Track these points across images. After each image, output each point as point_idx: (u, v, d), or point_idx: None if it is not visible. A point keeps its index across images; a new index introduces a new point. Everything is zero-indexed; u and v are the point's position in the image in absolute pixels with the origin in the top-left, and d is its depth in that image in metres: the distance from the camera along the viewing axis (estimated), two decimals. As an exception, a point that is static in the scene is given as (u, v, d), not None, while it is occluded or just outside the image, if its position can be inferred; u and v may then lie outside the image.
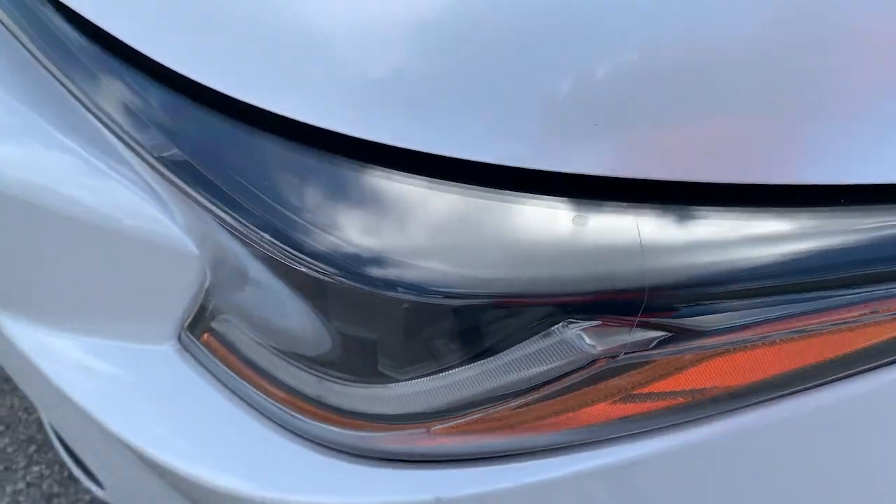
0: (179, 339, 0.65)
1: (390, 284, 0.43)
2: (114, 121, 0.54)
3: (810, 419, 0.47)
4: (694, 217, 0.42)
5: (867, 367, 0.47)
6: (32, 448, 1.33)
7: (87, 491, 1.30)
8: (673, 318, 0.41)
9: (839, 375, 0.47)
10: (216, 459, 0.59)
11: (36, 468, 1.31)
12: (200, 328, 0.62)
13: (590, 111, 0.41)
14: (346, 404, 0.55)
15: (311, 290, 0.49)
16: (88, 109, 0.53)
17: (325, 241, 0.44)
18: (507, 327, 0.45)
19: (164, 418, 0.62)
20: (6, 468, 1.31)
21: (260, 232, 0.46)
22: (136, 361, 0.66)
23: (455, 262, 0.42)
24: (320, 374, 0.55)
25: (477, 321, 0.45)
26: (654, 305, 0.41)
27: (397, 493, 0.55)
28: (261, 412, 0.60)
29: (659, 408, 0.48)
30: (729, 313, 0.42)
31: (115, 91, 0.53)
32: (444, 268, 0.42)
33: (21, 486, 1.29)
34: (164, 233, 0.57)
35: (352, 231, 0.44)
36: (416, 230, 0.43)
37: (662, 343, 0.42)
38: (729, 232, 0.42)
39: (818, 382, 0.46)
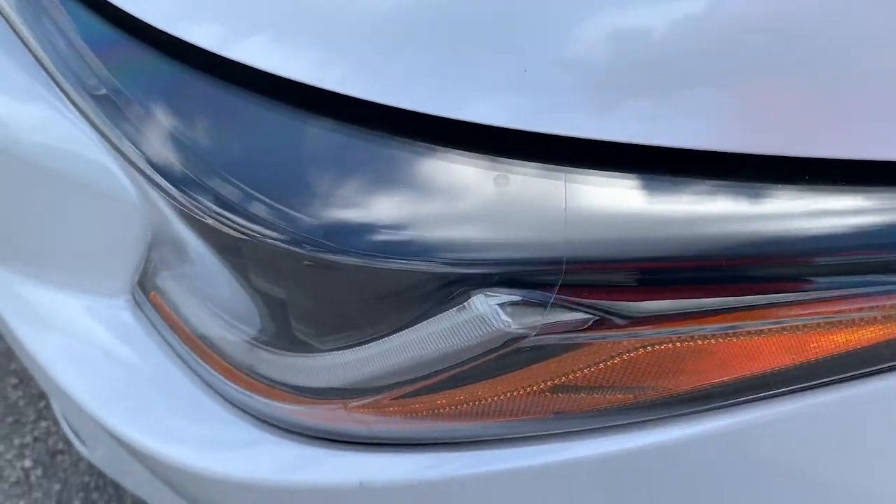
0: (134, 295, 0.63)
1: (296, 240, 0.40)
2: (59, 58, 0.52)
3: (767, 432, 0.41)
4: (631, 185, 0.36)
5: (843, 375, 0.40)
6: (43, 403, 1.34)
7: (91, 451, 1.31)
8: (594, 298, 0.36)
9: (811, 383, 0.41)
10: (148, 422, 0.57)
11: (44, 423, 1.33)
12: (149, 285, 0.60)
13: (517, 57, 0.36)
14: (273, 374, 0.51)
15: (228, 249, 0.46)
16: (28, 46, 0.51)
17: (232, 192, 0.41)
18: (423, 298, 0.40)
19: (105, 371, 0.60)
20: (16, 420, 1.33)
21: (172, 180, 0.43)
22: (89, 313, 0.64)
23: (364, 218, 0.38)
24: (249, 341, 0.51)
25: (389, 288, 0.41)
26: (575, 282, 0.36)
27: (322, 474, 0.51)
28: (197, 374, 0.57)
29: (598, 406, 0.43)
30: (666, 301, 0.37)
31: (56, 25, 0.51)
32: (352, 223, 0.38)
33: (28, 439, 1.31)
34: (113, 182, 0.55)
35: (257, 180, 0.40)
36: (326, 182, 0.39)
37: (584, 327, 0.37)
38: (672, 206, 0.36)
39: (774, 392, 0.40)
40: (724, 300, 0.36)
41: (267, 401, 0.52)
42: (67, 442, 1.31)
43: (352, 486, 0.50)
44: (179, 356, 0.59)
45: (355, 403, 0.46)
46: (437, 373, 0.42)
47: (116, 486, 1.27)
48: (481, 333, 0.39)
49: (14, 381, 1.37)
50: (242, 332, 0.51)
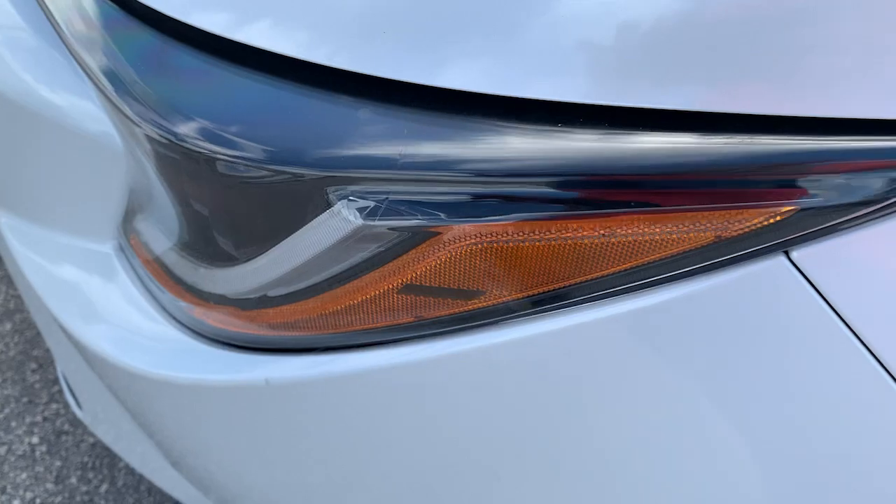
0: (119, 240, 0.76)
1: (186, 142, 0.52)
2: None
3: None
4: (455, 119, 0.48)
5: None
6: (56, 388, 1.48)
7: (92, 434, 1.42)
8: (426, 207, 0.47)
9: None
10: (106, 331, 0.69)
11: (54, 406, 1.46)
12: (129, 229, 0.73)
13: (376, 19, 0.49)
14: (206, 286, 0.63)
15: (168, 171, 0.58)
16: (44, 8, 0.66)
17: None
18: (302, 206, 0.52)
19: (78, 290, 0.73)
20: (30, 401, 1.46)
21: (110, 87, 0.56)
22: (80, 254, 0.77)
23: (254, 132, 0.50)
24: (190, 259, 0.64)
25: (278, 199, 0.53)
26: (413, 188, 0.48)
27: (234, 373, 0.62)
28: (154, 297, 0.69)
29: (448, 310, 0.54)
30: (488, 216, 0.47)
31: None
32: (242, 136, 0.50)
33: (38, 419, 1.44)
34: (101, 129, 0.68)
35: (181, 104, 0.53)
36: (230, 110, 0.51)
37: (419, 227, 0.48)
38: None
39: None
40: (537, 212, 0.47)
41: (200, 311, 0.64)
42: (73, 424, 1.43)
43: (259, 383, 0.61)
44: (143, 283, 0.72)
45: (256, 310, 0.58)
46: (320, 276, 0.54)
47: (111, 468, 1.38)
48: (342, 229, 0.50)
49: (34, 365, 1.51)
50: (187, 252, 0.64)
